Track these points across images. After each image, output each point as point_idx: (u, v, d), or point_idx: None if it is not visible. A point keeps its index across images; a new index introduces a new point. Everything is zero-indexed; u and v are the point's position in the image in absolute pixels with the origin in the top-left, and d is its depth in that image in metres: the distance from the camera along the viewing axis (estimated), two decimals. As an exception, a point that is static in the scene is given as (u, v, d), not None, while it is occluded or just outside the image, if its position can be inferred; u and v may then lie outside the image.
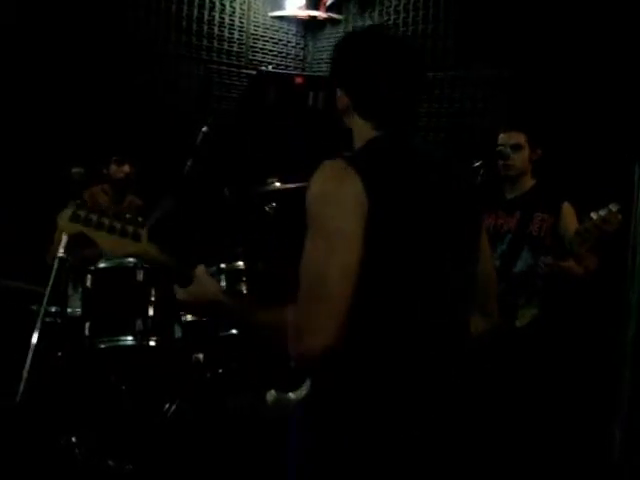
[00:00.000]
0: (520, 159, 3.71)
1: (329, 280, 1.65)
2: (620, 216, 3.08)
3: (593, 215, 3.13)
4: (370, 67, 1.87)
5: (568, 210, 3.61)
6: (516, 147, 3.69)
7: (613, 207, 3.08)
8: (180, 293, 1.91)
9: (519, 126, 3.73)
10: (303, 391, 1.92)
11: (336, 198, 1.68)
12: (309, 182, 1.74)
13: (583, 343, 3.81)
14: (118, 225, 1.87)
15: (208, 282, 1.91)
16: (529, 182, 3.76)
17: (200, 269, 1.91)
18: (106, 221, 1.86)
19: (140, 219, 1.89)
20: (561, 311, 3.64)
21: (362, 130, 1.90)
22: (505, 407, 3.41)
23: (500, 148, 3.70)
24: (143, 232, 1.88)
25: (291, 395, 1.93)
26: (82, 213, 1.86)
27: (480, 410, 2.05)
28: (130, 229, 1.87)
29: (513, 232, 3.68)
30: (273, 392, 1.94)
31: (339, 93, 1.92)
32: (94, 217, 1.85)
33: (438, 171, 1.87)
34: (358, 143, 1.90)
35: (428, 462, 1.80)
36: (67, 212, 1.86)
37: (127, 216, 1.89)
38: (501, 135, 3.75)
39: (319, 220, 1.69)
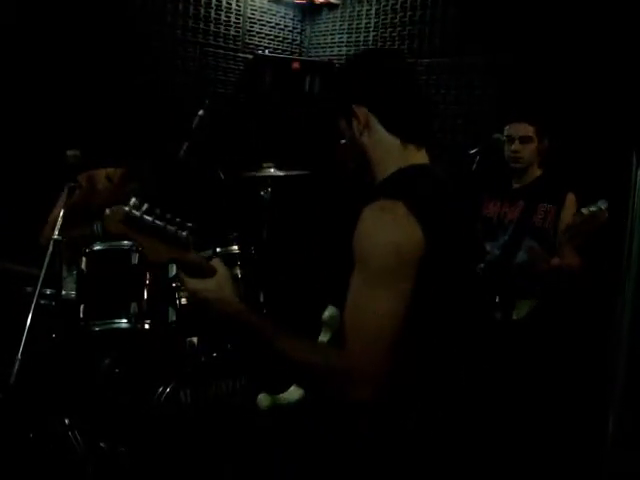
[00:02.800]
0: (528, 151, 3.68)
1: (388, 334, 1.70)
2: (607, 214, 3.04)
3: (583, 211, 3.10)
4: (391, 77, 1.91)
5: (570, 201, 3.59)
6: (525, 139, 3.67)
7: (602, 204, 3.04)
8: (194, 283, 1.83)
9: (528, 118, 3.70)
10: (295, 392, 1.94)
11: (400, 250, 1.71)
12: (363, 221, 1.75)
13: (581, 335, 3.81)
14: (171, 230, 1.75)
15: (229, 283, 1.86)
16: (536, 172, 3.75)
17: (221, 266, 1.87)
18: (159, 225, 1.74)
19: (189, 224, 1.78)
20: (559, 302, 3.63)
21: (389, 147, 1.90)
22: (504, 402, 3.42)
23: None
24: (191, 239, 1.79)
25: (282, 396, 1.95)
26: (134, 215, 1.72)
27: (483, 406, 2.09)
28: (182, 236, 1.77)
29: (516, 222, 3.67)
30: (265, 395, 1.95)
31: (359, 109, 1.89)
32: (147, 220, 1.73)
33: (460, 202, 1.95)
34: (385, 163, 1.91)
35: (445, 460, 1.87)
36: (120, 211, 1.71)
37: (178, 220, 1.77)
38: (509, 126, 3.72)
39: (381, 270, 1.71)
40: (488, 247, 3.77)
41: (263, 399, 1.95)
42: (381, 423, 1.79)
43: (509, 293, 3.59)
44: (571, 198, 3.59)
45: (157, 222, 1.74)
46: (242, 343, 2.47)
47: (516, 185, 3.77)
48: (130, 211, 1.71)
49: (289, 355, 1.78)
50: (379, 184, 1.90)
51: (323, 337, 1.97)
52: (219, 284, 1.83)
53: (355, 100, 1.90)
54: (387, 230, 1.72)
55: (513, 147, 3.68)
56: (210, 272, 1.83)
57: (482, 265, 3.74)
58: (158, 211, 1.75)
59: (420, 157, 1.93)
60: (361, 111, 1.89)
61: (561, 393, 3.61)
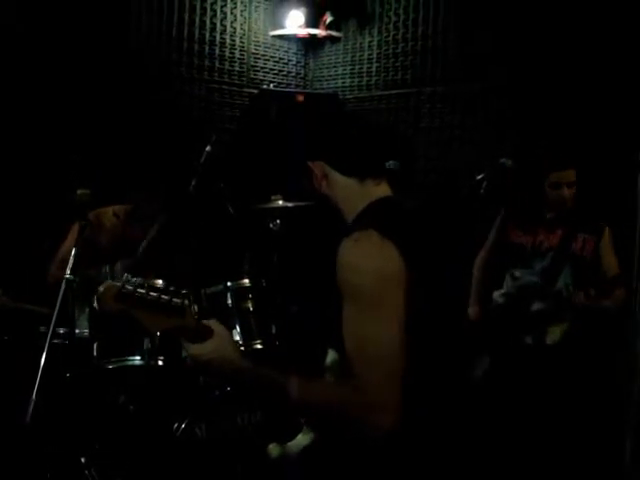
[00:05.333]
0: (573, 194, 3.73)
1: (395, 358, 1.74)
2: None
3: None
4: (333, 126, 2.08)
5: (607, 235, 3.69)
6: (572, 184, 3.71)
7: None
8: (195, 349, 1.84)
9: (572, 162, 3.74)
10: (303, 439, 1.97)
11: (384, 274, 1.76)
12: (341, 256, 1.81)
13: (612, 359, 3.80)
14: (165, 299, 1.78)
15: (228, 341, 1.89)
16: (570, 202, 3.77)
17: (218, 326, 1.89)
18: (153, 296, 1.77)
19: (185, 291, 1.81)
20: (591, 326, 3.65)
21: (349, 188, 2.01)
22: (536, 425, 3.43)
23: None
24: (188, 306, 1.81)
25: (291, 445, 1.97)
26: (129, 290, 1.76)
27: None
28: (176, 304, 1.79)
29: (556, 249, 3.72)
30: (275, 445, 1.97)
31: (314, 165, 2.02)
32: (141, 293, 1.76)
33: (430, 228, 2.05)
34: (351, 205, 2.00)
35: None
36: (112, 289, 1.76)
37: (171, 289, 1.80)
38: (555, 173, 3.72)
39: (372, 296, 1.75)
40: (518, 274, 3.82)
41: (273, 449, 1.97)
42: (395, 449, 1.80)
43: (541, 318, 3.64)
44: (607, 231, 3.70)
45: (151, 294, 1.77)
46: (253, 396, 2.51)
47: (551, 214, 3.80)
48: (123, 287, 1.75)
49: (305, 399, 1.80)
50: (351, 224, 1.99)
51: None
52: (218, 345, 1.85)
53: (308, 157, 2.04)
54: (366, 258, 1.78)
55: (563, 194, 3.70)
56: (209, 334, 1.85)
57: (511, 290, 3.78)
58: (151, 283, 1.83)
59: (381, 190, 2.01)
60: (316, 165, 2.02)
61: (595, 417, 3.60)
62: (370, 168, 2.01)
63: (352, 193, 2.00)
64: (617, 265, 3.66)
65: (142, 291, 1.76)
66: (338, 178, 2.00)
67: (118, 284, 1.76)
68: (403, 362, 1.73)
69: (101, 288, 1.76)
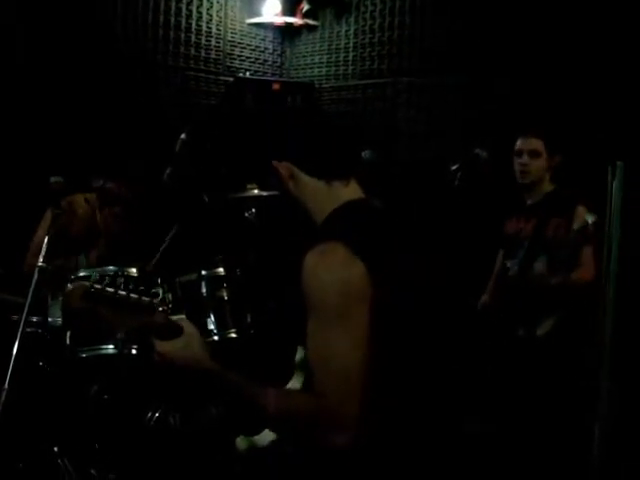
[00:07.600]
0: (536, 166, 3.70)
1: (356, 376, 1.74)
2: (593, 227, 3.18)
3: (575, 226, 3.28)
4: (298, 126, 2.07)
5: (580, 213, 3.56)
6: (533, 153, 3.69)
7: (589, 218, 3.20)
8: (163, 345, 1.84)
9: (537, 132, 3.72)
10: (270, 434, 1.96)
11: (348, 289, 1.75)
12: (307, 268, 1.79)
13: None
14: (134, 298, 1.79)
15: (197, 340, 1.87)
16: (548, 188, 3.76)
17: (189, 324, 1.88)
18: (122, 295, 1.78)
19: (153, 290, 1.83)
20: (581, 316, 3.62)
21: (316, 190, 1.99)
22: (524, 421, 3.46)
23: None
24: (157, 304, 1.82)
25: (257, 438, 1.98)
26: (96, 290, 1.77)
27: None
28: (145, 302, 1.81)
29: (530, 238, 3.69)
30: (242, 438, 1.99)
31: (281, 166, 1.99)
32: (108, 292, 1.77)
33: (400, 230, 2.03)
34: (319, 207, 1.98)
35: None
36: (80, 288, 1.77)
37: (141, 288, 1.81)
38: (519, 140, 3.74)
39: (335, 311, 1.75)
40: (509, 264, 3.82)
41: (240, 442, 1.98)
42: (357, 464, 1.81)
43: (531, 309, 3.62)
44: (581, 210, 3.56)
45: (119, 293, 1.78)
46: (217, 397, 2.50)
47: (529, 201, 3.80)
48: (91, 286, 1.76)
49: (268, 406, 1.80)
50: (319, 228, 1.97)
51: (296, 381, 2.01)
52: (187, 343, 1.84)
53: (275, 157, 2.01)
54: (331, 272, 1.77)
55: (521, 160, 3.69)
56: (179, 332, 1.85)
57: (505, 281, 3.77)
58: (121, 281, 1.80)
59: (350, 192, 2.00)
60: (282, 166, 1.99)
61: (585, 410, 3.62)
62: (336, 169, 1.99)
63: (319, 194, 1.98)
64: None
65: (110, 290, 1.77)
66: (305, 179, 1.98)
67: (86, 283, 1.77)
68: (364, 377, 1.74)
69: (69, 286, 1.76)
